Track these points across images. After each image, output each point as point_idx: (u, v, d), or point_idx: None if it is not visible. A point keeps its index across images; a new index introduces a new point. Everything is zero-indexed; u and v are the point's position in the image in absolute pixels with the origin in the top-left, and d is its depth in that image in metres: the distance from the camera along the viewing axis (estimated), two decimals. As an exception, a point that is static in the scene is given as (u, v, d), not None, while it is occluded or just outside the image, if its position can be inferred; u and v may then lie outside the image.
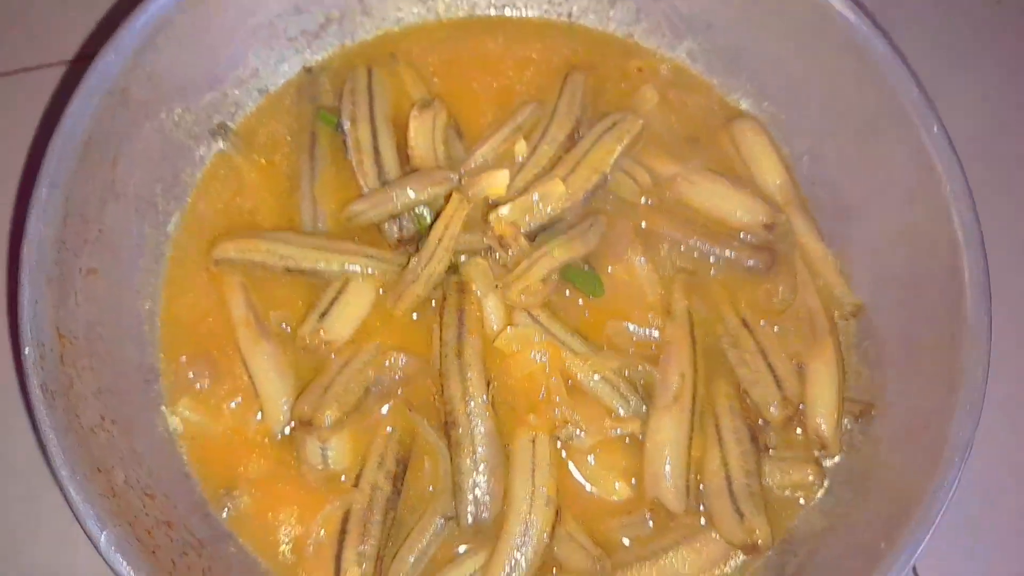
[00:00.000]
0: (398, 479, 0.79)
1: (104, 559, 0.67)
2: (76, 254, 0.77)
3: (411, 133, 0.89)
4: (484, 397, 0.79)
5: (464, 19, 0.99)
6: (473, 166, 0.89)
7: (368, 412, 0.81)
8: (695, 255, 0.89)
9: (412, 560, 0.77)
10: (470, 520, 0.76)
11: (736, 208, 0.90)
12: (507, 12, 0.99)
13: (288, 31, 0.92)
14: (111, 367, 0.79)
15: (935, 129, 0.81)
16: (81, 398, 0.74)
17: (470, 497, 0.76)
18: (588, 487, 0.81)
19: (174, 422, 0.82)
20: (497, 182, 0.86)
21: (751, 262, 0.89)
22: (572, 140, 0.91)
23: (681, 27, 0.97)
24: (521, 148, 0.89)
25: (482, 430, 0.78)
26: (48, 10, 1.03)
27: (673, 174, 0.90)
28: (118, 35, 0.80)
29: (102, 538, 0.67)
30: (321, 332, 0.81)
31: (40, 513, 0.87)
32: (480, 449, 0.77)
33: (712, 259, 0.89)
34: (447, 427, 0.79)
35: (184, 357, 0.83)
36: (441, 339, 0.81)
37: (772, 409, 0.82)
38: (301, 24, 0.93)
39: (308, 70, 0.94)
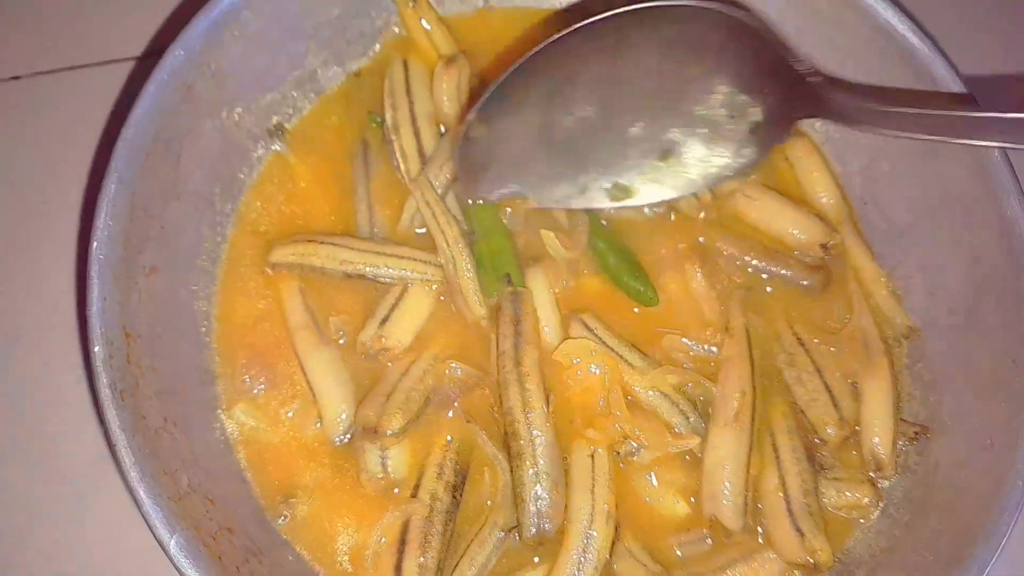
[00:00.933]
0: (457, 490, 0.78)
1: (173, 563, 0.66)
2: (140, 251, 0.76)
3: (435, 89, 0.89)
4: (544, 408, 0.78)
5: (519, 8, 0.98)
6: None
7: (428, 421, 0.80)
8: (751, 272, 0.89)
9: (472, 573, 0.76)
10: (533, 531, 0.76)
11: (792, 226, 0.90)
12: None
13: (347, 33, 0.92)
14: (171, 368, 0.77)
15: (996, 153, 0.82)
16: (146, 398, 0.72)
17: (532, 509, 0.76)
18: (647, 502, 0.81)
19: (231, 427, 0.80)
20: None
21: (806, 281, 0.89)
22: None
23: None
24: None
25: (543, 441, 0.77)
26: (118, 6, 1.02)
27: (732, 189, 0.91)
28: (186, 31, 0.79)
29: (171, 542, 0.66)
30: (382, 339, 0.81)
31: (91, 516, 0.86)
32: (541, 461, 0.77)
33: (767, 276, 0.89)
34: (507, 438, 0.78)
35: (241, 361, 0.82)
36: (498, 350, 0.81)
37: (829, 429, 0.82)
38: (361, 27, 0.92)
39: (357, 74, 0.94)
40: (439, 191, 0.84)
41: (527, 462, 0.77)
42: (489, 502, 0.80)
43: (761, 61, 0.80)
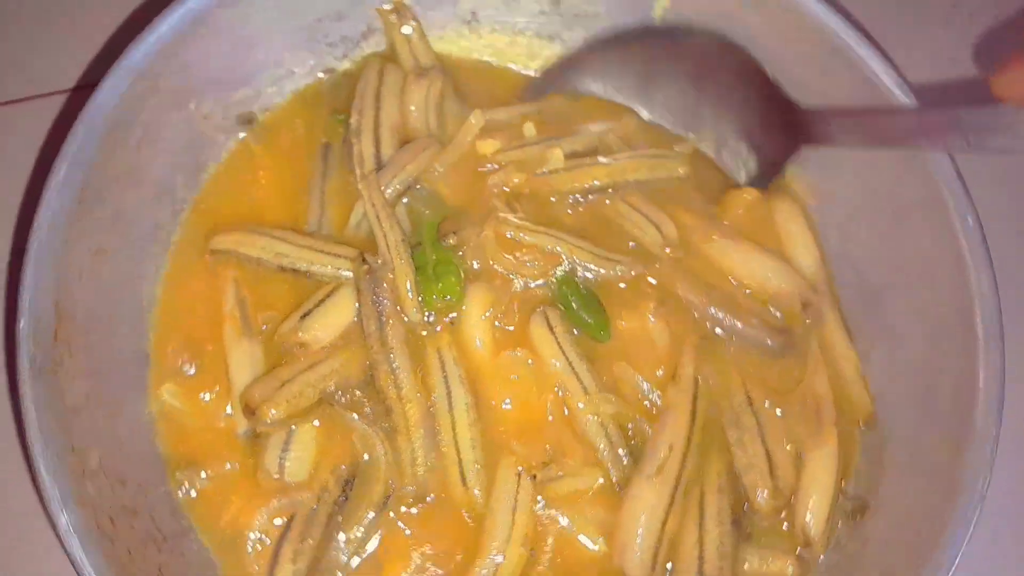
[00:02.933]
0: (348, 484, 0.79)
1: (60, 540, 0.68)
2: (87, 233, 0.78)
3: (404, 99, 0.88)
4: (413, 383, 0.79)
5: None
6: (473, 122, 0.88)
7: (314, 418, 0.80)
8: (710, 322, 0.85)
9: (353, 544, 0.78)
10: (411, 488, 0.78)
11: (771, 274, 0.86)
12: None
13: (329, 36, 0.92)
14: (106, 349, 0.79)
15: (969, 222, 0.78)
16: (69, 377, 0.74)
17: (410, 476, 0.78)
18: (567, 535, 0.79)
19: (156, 407, 0.82)
20: (488, 146, 0.88)
21: (769, 341, 0.85)
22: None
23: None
24: (530, 129, 0.89)
25: (417, 414, 0.78)
26: (49, 40, 1.01)
27: (704, 229, 0.88)
28: (157, 23, 0.80)
29: (62, 520, 0.67)
30: (299, 333, 0.80)
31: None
32: (415, 431, 0.78)
33: (728, 330, 0.85)
34: (384, 414, 0.79)
35: (175, 343, 0.83)
36: (364, 332, 0.81)
37: (761, 498, 0.79)
38: (343, 30, 0.92)
39: (333, 73, 0.94)
40: (391, 197, 0.84)
41: (401, 436, 0.78)
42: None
43: (759, 92, 0.86)
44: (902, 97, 0.80)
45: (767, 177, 0.89)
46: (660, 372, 0.84)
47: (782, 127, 0.85)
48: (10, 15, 1.02)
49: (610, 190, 0.88)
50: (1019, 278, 0.90)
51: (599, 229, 0.87)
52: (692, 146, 0.91)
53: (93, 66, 1.00)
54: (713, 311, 0.85)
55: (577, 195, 0.88)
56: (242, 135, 0.90)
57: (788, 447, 0.81)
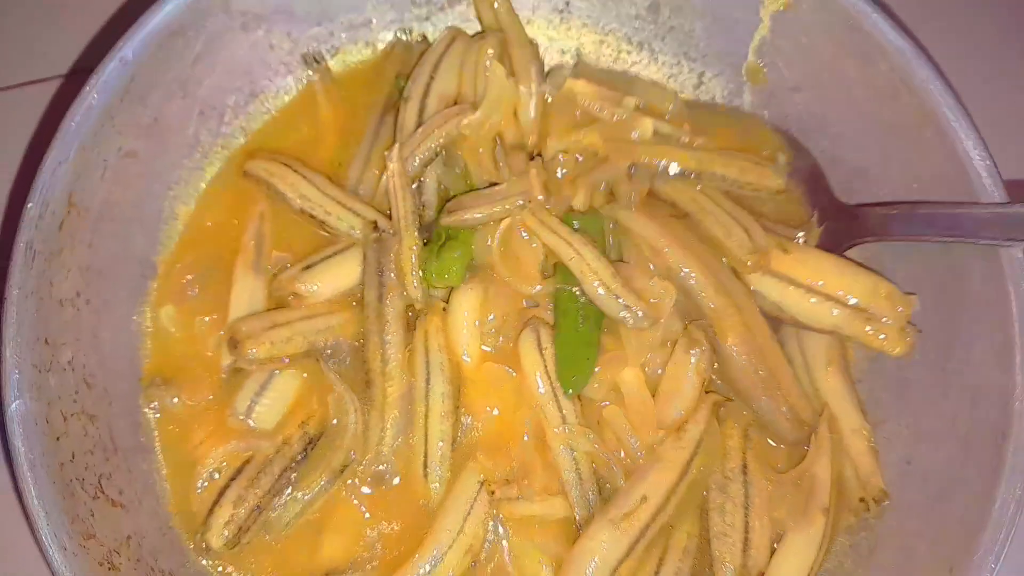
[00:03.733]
0: (311, 444, 0.77)
1: (5, 429, 0.67)
2: (120, 132, 0.78)
3: (464, 65, 0.85)
4: (400, 359, 0.76)
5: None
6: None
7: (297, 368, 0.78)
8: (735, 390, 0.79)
9: (296, 508, 0.76)
10: (374, 468, 0.75)
11: (874, 281, 0.78)
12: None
13: (417, -4, 0.90)
14: (112, 250, 0.79)
15: None
16: (65, 268, 0.74)
17: (374, 452, 0.75)
18: (516, 559, 0.76)
19: (149, 323, 0.81)
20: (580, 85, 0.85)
21: (788, 427, 0.78)
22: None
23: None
24: (630, 103, 0.85)
25: (396, 392, 0.75)
26: (43, 26, 1.01)
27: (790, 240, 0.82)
28: (238, -56, 0.79)
29: (12, 407, 0.67)
30: (296, 283, 0.78)
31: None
32: (390, 411, 0.75)
33: (755, 403, 0.78)
34: (365, 385, 0.77)
35: (187, 260, 0.82)
36: (364, 300, 0.78)
37: (726, 571, 0.73)
38: (432, -8, 0.90)
39: (407, 31, 0.91)
40: (417, 165, 0.81)
41: (375, 412, 0.75)
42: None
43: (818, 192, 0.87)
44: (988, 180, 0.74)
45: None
46: (660, 435, 0.76)
47: (834, 225, 0.84)
48: (3, 2, 1.02)
49: (693, 176, 0.83)
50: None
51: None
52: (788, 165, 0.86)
53: (87, 52, 0.99)
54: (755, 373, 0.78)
55: (653, 170, 0.82)
56: (306, 76, 0.89)
57: (771, 529, 0.75)
